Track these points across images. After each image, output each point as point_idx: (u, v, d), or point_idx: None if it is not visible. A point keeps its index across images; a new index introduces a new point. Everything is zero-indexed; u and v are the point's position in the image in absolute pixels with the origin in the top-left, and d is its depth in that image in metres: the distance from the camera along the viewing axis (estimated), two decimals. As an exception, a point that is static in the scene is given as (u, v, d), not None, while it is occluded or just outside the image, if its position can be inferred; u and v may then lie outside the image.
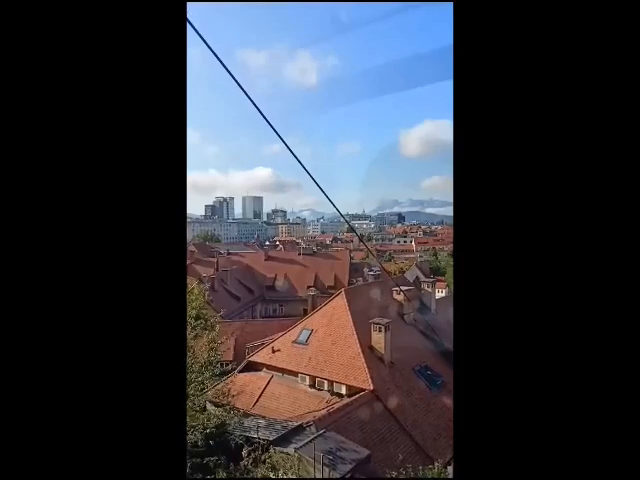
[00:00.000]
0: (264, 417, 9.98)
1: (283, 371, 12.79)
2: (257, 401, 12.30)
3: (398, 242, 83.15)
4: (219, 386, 9.21)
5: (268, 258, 36.12)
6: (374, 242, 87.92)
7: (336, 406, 10.08)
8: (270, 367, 13.09)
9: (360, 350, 11.61)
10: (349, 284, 33.03)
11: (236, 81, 2.53)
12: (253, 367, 13.49)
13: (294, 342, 13.12)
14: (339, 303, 13.32)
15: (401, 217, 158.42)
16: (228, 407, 7.89)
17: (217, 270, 30.64)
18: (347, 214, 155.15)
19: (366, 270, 34.58)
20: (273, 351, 13.27)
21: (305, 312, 32.50)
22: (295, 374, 12.45)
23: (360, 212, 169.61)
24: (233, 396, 8.53)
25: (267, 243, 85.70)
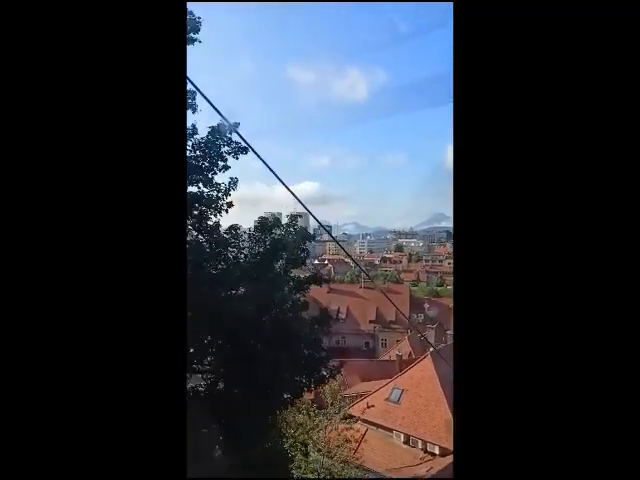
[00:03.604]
0: (368, 469, 11.85)
1: (377, 426, 14.63)
2: (355, 451, 14.20)
3: (449, 263, 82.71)
4: (332, 434, 10.99)
5: (330, 290, 38.25)
6: (424, 262, 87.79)
7: (435, 469, 11.79)
8: (365, 420, 14.97)
9: (451, 414, 13.22)
10: (410, 320, 34.47)
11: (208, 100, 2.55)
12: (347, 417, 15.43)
13: (386, 400, 14.97)
14: (427, 366, 15.05)
15: (449, 234, 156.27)
16: (358, 465, 9.76)
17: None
18: (394, 230, 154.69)
19: (426, 306, 35.89)
20: (368, 406, 15.16)
21: (367, 345, 34.34)
22: (389, 430, 14.25)
23: (406, 227, 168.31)
24: (359, 460, 10.43)
25: (316, 262, 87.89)
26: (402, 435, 13.82)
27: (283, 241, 6.17)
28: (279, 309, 5.79)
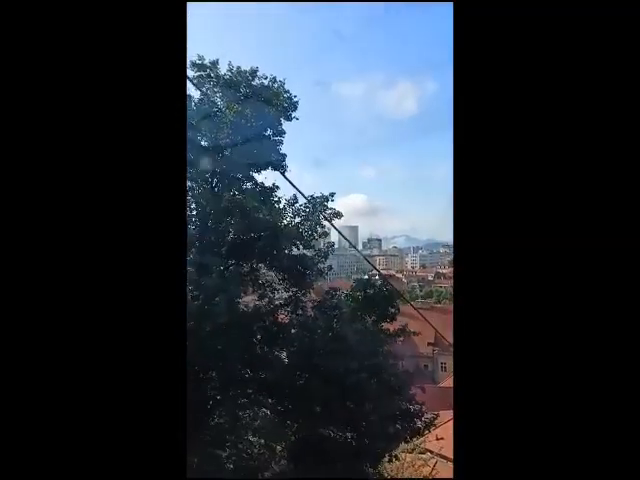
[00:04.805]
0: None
1: (446, 459, 14.58)
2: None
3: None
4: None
5: (387, 310, 38.20)
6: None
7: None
8: (434, 453, 14.98)
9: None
10: (471, 343, 33.33)
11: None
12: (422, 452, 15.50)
13: (456, 432, 14.86)
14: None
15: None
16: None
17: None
18: (447, 244, 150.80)
19: (488, 328, 34.54)
20: (437, 438, 15.14)
21: (425, 368, 33.75)
22: (460, 464, 14.14)
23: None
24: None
25: (365, 277, 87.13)
26: (474, 471, 13.68)
27: (376, 299, 6.83)
28: (374, 363, 6.38)
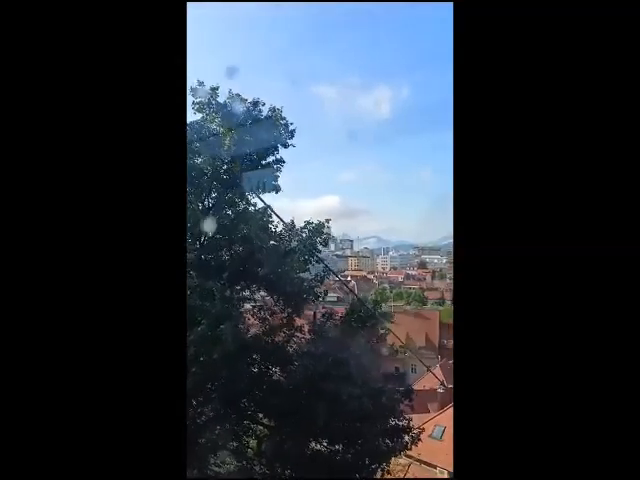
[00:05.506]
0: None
1: (420, 462, 15.32)
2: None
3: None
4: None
5: (360, 313, 38.97)
6: (448, 280, 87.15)
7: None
8: (408, 456, 15.67)
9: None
10: (439, 346, 34.90)
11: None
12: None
13: (430, 436, 15.66)
14: (468, 404, 15.71)
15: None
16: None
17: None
18: (416, 246, 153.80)
19: (456, 332, 36.03)
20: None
21: (397, 370, 34.87)
22: (433, 466, 14.95)
23: (429, 242, 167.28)
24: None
25: (343, 278, 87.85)
26: (446, 472, 14.50)
27: (367, 322, 7.28)
28: (370, 387, 6.80)
